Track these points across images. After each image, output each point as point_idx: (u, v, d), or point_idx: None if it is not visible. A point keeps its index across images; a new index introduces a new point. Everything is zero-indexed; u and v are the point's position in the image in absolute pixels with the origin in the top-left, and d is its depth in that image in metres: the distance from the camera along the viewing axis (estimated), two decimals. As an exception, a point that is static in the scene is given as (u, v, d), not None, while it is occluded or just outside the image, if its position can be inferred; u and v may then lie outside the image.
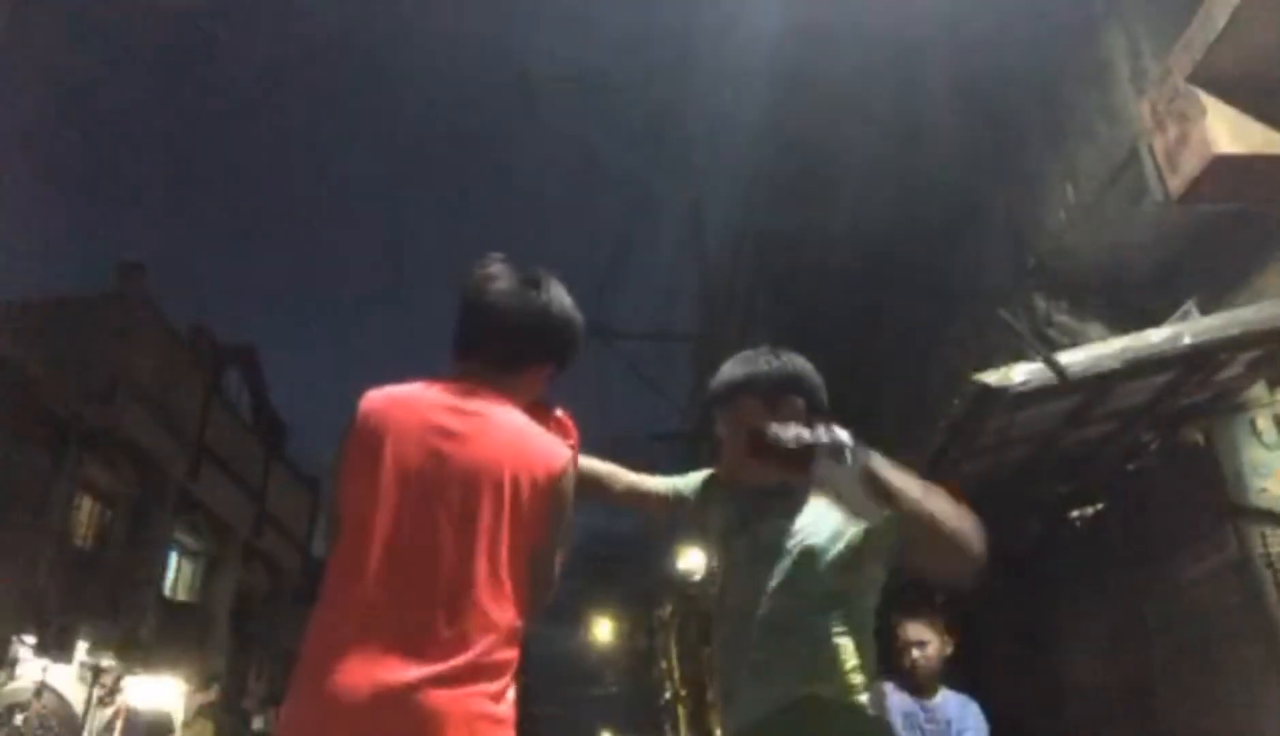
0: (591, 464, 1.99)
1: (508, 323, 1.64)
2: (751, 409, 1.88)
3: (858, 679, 1.75)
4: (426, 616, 1.40)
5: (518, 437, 1.55)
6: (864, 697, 1.74)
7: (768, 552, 1.83)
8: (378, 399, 1.58)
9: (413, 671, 1.35)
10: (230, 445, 16.57)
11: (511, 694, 1.45)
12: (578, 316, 1.74)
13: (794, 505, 1.85)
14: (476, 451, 1.51)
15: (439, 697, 1.35)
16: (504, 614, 1.45)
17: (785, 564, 1.80)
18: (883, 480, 1.56)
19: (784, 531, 1.83)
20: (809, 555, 1.79)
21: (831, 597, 1.77)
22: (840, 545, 1.78)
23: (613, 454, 2.12)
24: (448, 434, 1.52)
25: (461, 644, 1.39)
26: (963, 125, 6.09)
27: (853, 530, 1.77)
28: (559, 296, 1.70)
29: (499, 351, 1.65)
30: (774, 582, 1.80)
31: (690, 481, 2.10)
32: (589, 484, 1.92)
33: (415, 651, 1.37)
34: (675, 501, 2.09)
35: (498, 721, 1.40)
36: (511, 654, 1.46)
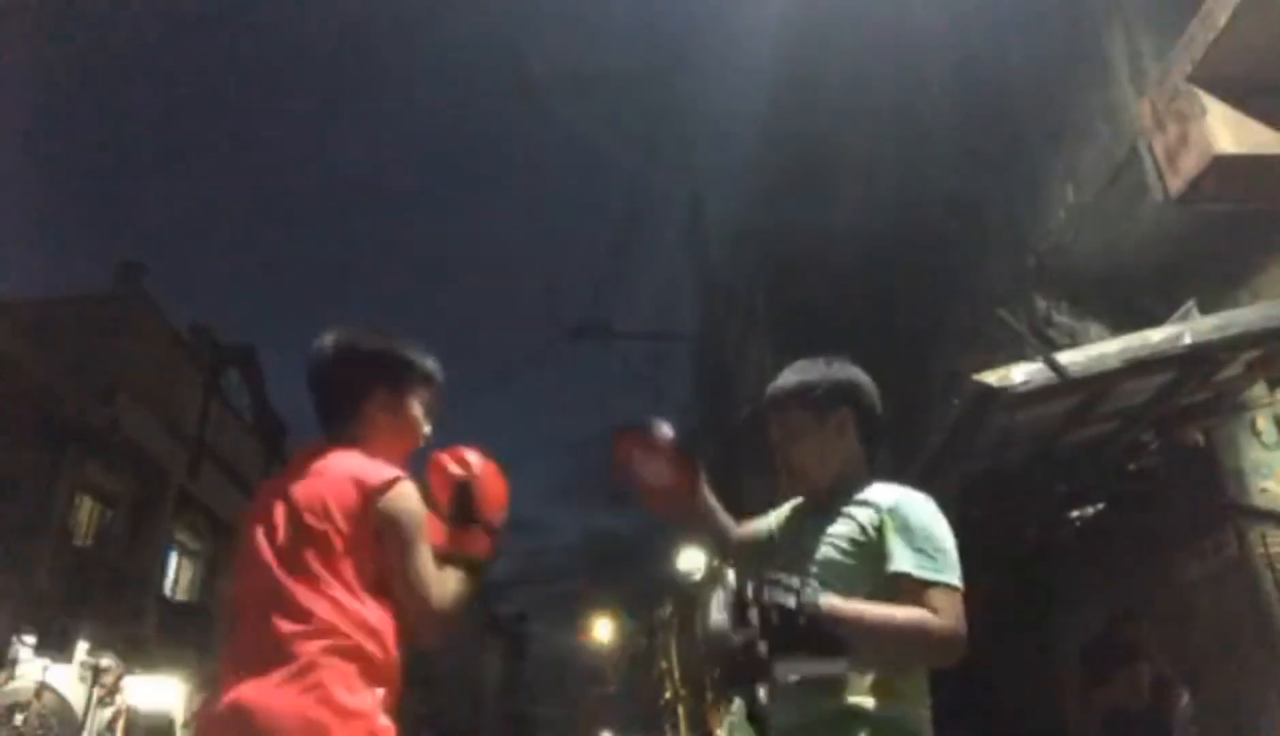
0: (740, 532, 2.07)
1: (313, 391, 1.92)
2: (800, 420, 1.89)
3: (907, 696, 1.64)
4: (250, 639, 1.63)
5: (331, 472, 1.75)
6: (919, 721, 1.63)
7: (804, 557, 1.78)
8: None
9: (242, 686, 1.56)
10: (230, 445, 16.56)
11: (355, 688, 1.57)
12: (345, 343, 1.90)
13: (834, 510, 1.81)
14: (294, 493, 1.73)
15: (259, 701, 1.53)
16: (323, 622, 1.60)
17: (816, 569, 1.75)
18: (843, 638, 1.53)
19: (820, 537, 1.78)
20: (833, 563, 1.74)
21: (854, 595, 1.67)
22: (855, 549, 1.73)
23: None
24: (277, 490, 1.77)
25: (277, 655, 1.57)
26: (963, 125, 6.09)
27: (867, 533, 1.72)
28: (328, 341, 1.91)
29: (321, 415, 1.92)
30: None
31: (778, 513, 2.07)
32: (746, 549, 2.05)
33: (248, 669, 1.58)
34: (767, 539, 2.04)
35: (339, 711, 1.53)
36: (340, 653, 1.58)
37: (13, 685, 10.95)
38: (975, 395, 3.58)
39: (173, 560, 15.56)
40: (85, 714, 12.05)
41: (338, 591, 1.63)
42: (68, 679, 11.81)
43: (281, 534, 1.70)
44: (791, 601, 1.50)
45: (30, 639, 10.95)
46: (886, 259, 7.25)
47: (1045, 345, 3.78)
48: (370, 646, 1.61)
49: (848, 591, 1.67)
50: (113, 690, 12.58)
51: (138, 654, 13.02)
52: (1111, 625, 4.45)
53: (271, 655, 1.57)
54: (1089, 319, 4.85)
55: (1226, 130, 3.27)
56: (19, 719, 10.84)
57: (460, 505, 1.82)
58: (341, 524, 1.67)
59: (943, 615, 1.56)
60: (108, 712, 12.53)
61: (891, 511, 1.71)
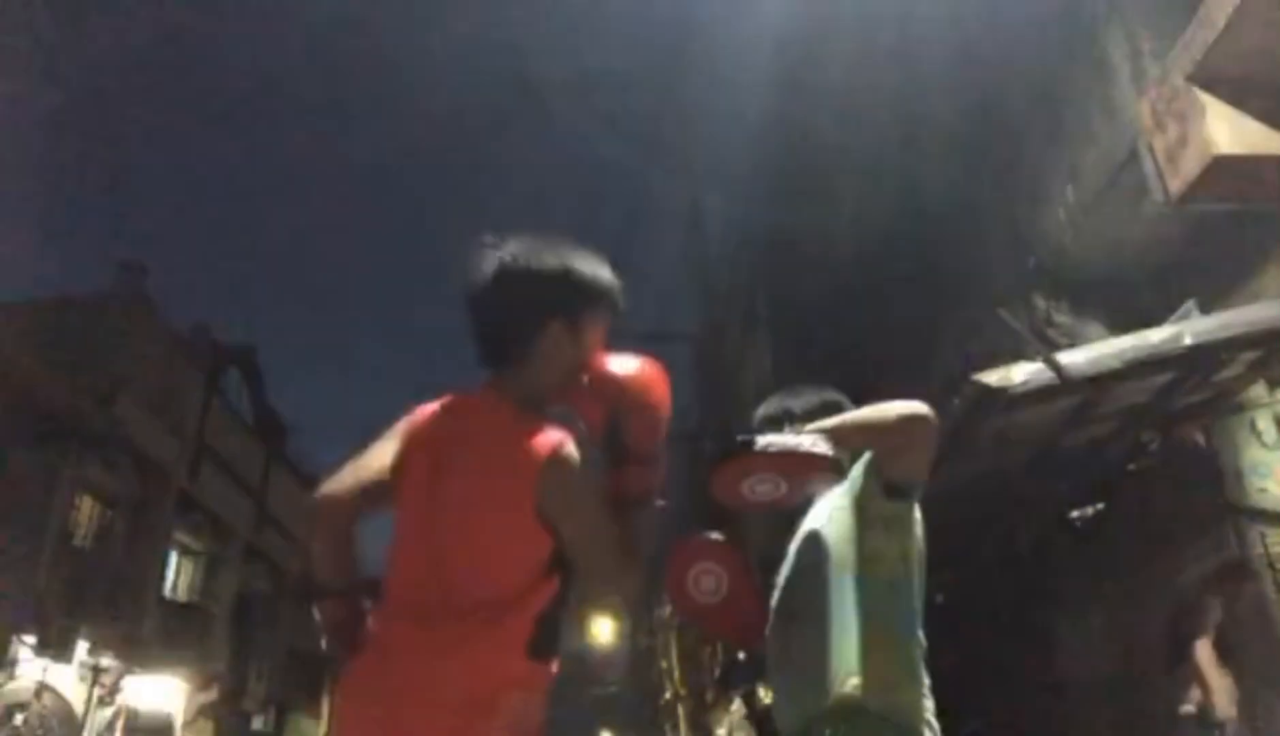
0: None
1: (474, 320, 1.65)
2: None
3: (903, 688, 1.64)
4: (414, 602, 1.52)
5: (488, 440, 1.56)
6: (906, 712, 1.62)
7: (787, 558, 1.85)
8: (408, 420, 1.68)
9: (407, 647, 1.48)
10: (230, 445, 16.57)
11: (519, 659, 1.49)
12: (546, 262, 1.62)
13: (806, 513, 1.87)
14: (455, 460, 1.56)
15: (421, 671, 1.45)
16: (483, 592, 1.49)
17: (793, 558, 1.82)
18: (829, 430, 1.65)
19: (799, 535, 1.85)
20: (810, 538, 1.79)
21: (837, 576, 1.70)
22: (832, 517, 1.77)
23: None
24: (438, 445, 1.59)
25: (445, 617, 1.48)
26: (963, 125, 6.09)
27: (839, 499, 1.77)
28: (497, 261, 1.62)
29: (484, 351, 1.66)
30: (788, 577, 1.82)
31: None
32: None
33: (416, 626, 1.50)
34: None
35: (506, 681, 1.46)
36: (504, 624, 1.49)
37: (13, 685, 10.96)
38: (975, 395, 3.58)
39: (173, 560, 15.57)
40: (85, 714, 12.06)
41: (489, 570, 1.51)
42: (68, 679, 11.81)
43: (448, 506, 1.54)
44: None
45: (30, 639, 10.96)
46: (886, 259, 7.25)
47: (1045, 345, 3.78)
48: (504, 620, 1.49)
49: (838, 553, 1.72)
50: (113, 690, 12.59)
51: (138, 654, 13.03)
52: (1181, 610, 4.28)
53: (422, 625, 1.49)
54: (1089, 319, 4.84)
55: (1226, 130, 3.27)
56: (19, 719, 10.85)
57: (612, 442, 1.60)
58: (505, 505, 1.51)
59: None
60: (108, 712, 12.54)
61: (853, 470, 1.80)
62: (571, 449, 1.54)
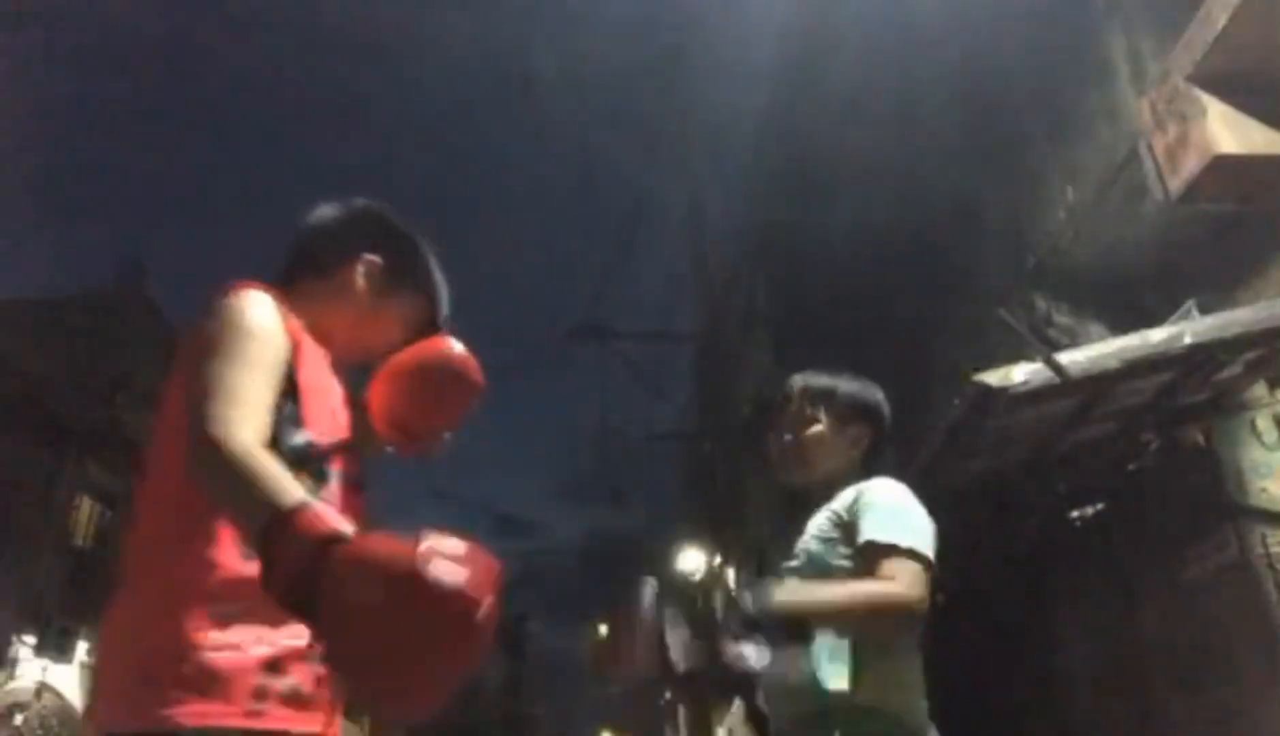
0: None
1: (297, 232, 1.60)
2: (821, 415, 1.97)
3: (897, 684, 1.68)
4: None
5: None
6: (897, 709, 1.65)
7: (790, 556, 1.88)
8: None
9: None
10: (230, 445, 16.56)
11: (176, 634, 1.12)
12: (400, 219, 1.57)
13: (814, 509, 1.90)
14: None
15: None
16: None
17: (800, 561, 1.84)
18: (792, 613, 1.61)
19: (801, 534, 1.88)
20: (813, 553, 1.82)
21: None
22: (827, 544, 1.81)
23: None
24: None
25: None
26: (963, 125, 6.09)
27: (836, 529, 1.80)
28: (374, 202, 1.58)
29: (287, 261, 1.57)
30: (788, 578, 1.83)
31: None
32: None
33: None
34: None
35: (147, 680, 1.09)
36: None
37: (13, 685, 10.97)
38: (975, 395, 3.58)
39: (173, 560, 15.57)
40: (85, 714, 12.06)
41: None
42: (68, 679, 11.82)
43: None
44: (746, 607, 1.57)
45: (30, 639, 10.97)
46: (886, 259, 7.25)
47: (1045, 345, 3.78)
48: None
49: (825, 575, 1.75)
50: (113, 690, 12.59)
51: (138, 654, 13.02)
52: None
53: None
54: (1089, 319, 4.84)
55: (1226, 130, 3.27)
56: (19, 719, 10.86)
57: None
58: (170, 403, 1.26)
59: (897, 581, 1.61)
60: (108, 712, 12.55)
61: (860, 494, 1.80)
62: (248, 295, 1.29)
